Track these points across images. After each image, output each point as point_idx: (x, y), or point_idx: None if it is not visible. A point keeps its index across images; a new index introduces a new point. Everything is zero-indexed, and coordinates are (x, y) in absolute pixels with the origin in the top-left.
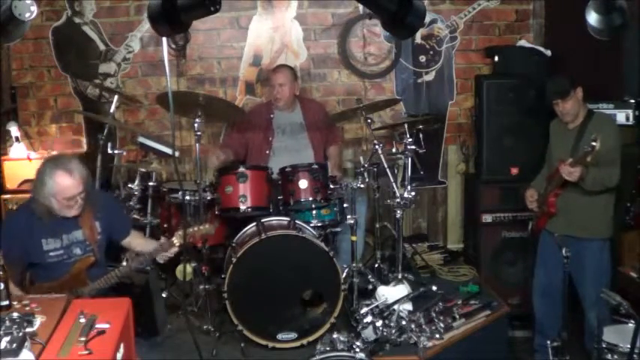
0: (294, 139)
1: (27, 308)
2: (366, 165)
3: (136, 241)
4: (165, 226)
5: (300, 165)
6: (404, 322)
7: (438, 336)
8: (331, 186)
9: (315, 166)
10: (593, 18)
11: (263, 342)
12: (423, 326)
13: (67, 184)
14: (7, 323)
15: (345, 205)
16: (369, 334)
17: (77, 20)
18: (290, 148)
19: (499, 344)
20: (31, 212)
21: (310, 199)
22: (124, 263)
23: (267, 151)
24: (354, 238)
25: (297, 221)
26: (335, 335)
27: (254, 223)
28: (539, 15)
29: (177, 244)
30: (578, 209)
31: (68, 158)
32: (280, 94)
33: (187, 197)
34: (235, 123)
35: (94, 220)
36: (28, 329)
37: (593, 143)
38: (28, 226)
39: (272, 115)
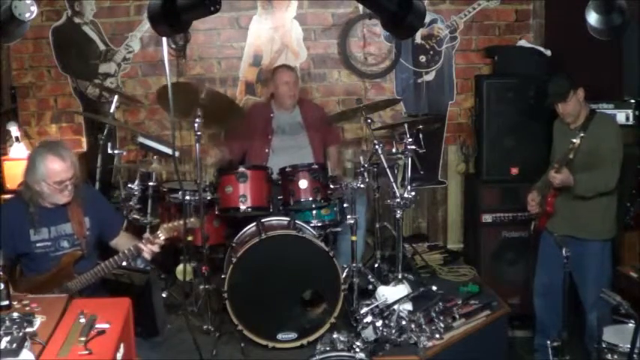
0: (294, 138)
1: (27, 308)
2: (366, 165)
3: (125, 243)
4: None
5: (300, 165)
6: (404, 322)
7: (438, 336)
8: (331, 186)
9: (315, 166)
10: (593, 18)
11: (263, 342)
12: (423, 326)
13: (57, 168)
14: (7, 323)
15: (345, 205)
16: (369, 334)
17: (77, 20)
18: (289, 148)
19: (499, 344)
20: (22, 201)
21: (310, 199)
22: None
23: (267, 150)
24: (354, 238)
25: (297, 221)
26: (335, 335)
27: (254, 223)
28: (539, 15)
29: (163, 238)
30: (580, 210)
31: (59, 143)
32: (288, 92)
33: (187, 197)
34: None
35: (83, 216)
36: (28, 329)
37: (574, 140)
38: (18, 215)
39: (272, 115)
